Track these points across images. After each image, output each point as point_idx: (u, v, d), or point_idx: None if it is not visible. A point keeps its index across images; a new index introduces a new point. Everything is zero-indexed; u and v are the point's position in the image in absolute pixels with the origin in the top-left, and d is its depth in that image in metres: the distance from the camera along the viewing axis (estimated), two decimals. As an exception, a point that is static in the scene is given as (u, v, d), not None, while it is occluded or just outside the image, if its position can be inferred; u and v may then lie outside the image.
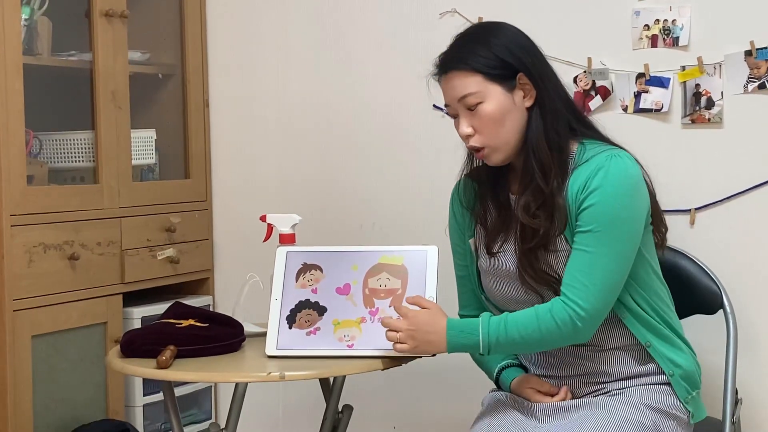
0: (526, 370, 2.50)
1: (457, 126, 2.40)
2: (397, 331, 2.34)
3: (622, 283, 2.32)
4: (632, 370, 2.38)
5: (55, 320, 2.99)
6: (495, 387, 2.55)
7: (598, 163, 2.31)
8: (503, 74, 2.34)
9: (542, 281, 2.35)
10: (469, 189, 2.53)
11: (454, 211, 2.57)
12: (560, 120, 2.37)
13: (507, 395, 2.46)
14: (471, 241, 2.52)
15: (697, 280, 2.73)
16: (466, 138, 2.38)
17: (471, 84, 2.34)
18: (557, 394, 2.39)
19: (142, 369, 2.44)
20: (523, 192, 2.37)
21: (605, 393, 2.38)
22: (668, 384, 2.38)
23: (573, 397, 2.40)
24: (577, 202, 2.31)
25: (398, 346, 2.34)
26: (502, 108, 2.34)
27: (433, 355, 2.42)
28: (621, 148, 2.39)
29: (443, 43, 3.16)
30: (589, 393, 2.40)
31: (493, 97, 2.34)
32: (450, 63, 2.38)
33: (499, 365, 2.51)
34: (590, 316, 2.28)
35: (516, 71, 2.35)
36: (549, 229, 2.33)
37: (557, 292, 2.33)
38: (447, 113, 2.45)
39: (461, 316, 2.58)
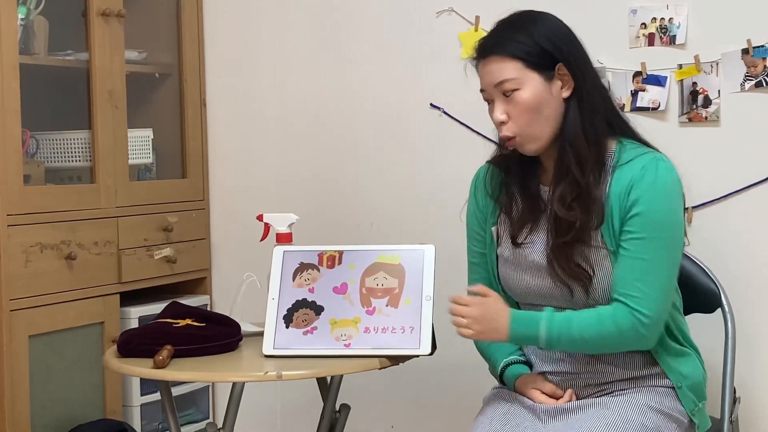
0: (531, 367, 2.48)
1: (491, 112, 2.38)
2: (463, 317, 2.32)
3: (675, 286, 2.35)
4: (639, 372, 2.38)
5: (52, 320, 2.99)
6: (497, 384, 2.54)
7: (644, 165, 2.31)
8: (542, 63, 2.33)
9: (574, 276, 2.33)
10: (495, 176, 2.50)
11: (476, 197, 2.54)
12: (598, 114, 2.36)
13: (509, 393, 2.45)
14: (494, 228, 2.49)
15: (696, 279, 2.73)
16: (499, 125, 2.36)
17: (509, 70, 2.32)
18: (562, 396, 2.38)
19: (139, 369, 2.44)
20: (557, 184, 2.36)
21: (609, 393, 2.38)
22: (673, 387, 2.38)
23: (577, 398, 2.39)
24: (623, 205, 2.30)
25: (463, 330, 2.33)
26: (538, 96, 2.32)
27: (431, 353, 2.42)
28: (657, 150, 2.39)
29: (441, 42, 3.18)
30: (594, 393, 2.39)
31: (530, 85, 2.32)
32: (490, 48, 2.36)
33: (504, 361, 2.48)
34: (653, 322, 2.29)
35: (555, 61, 2.34)
36: (586, 222, 2.32)
37: (587, 288, 2.33)
38: (483, 99, 2.40)
39: None
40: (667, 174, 2.31)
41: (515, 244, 2.42)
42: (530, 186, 2.43)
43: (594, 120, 2.35)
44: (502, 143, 2.44)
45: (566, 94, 2.35)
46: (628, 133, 2.42)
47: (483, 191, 2.52)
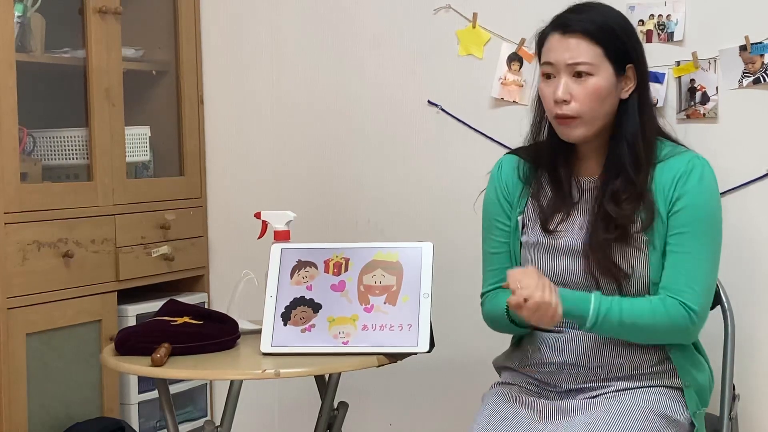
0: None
1: (546, 88, 2.39)
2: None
3: (715, 284, 2.39)
4: (650, 369, 2.38)
5: (50, 318, 2.99)
6: (496, 381, 2.53)
7: (691, 162, 2.36)
8: (619, 58, 2.37)
9: (610, 273, 2.34)
10: (522, 164, 2.51)
11: (501, 186, 2.53)
12: (653, 121, 2.43)
13: (509, 392, 2.43)
14: (519, 217, 2.49)
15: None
16: (560, 103, 2.36)
17: (590, 53, 2.35)
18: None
19: (137, 367, 2.44)
20: (607, 180, 2.38)
21: (614, 391, 2.37)
22: (679, 389, 2.38)
23: (582, 390, 2.38)
24: (668, 198, 2.34)
25: (522, 303, 2.22)
26: (608, 87, 2.36)
27: (428, 351, 2.42)
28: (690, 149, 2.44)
29: (438, 39, 3.17)
30: (600, 386, 2.38)
31: (603, 74, 2.36)
32: (576, 25, 2.37)
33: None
34: (699, 317, 2.33)
35: (628, 61, 2.38)
36: (633, 222, 2.33)
37: (620, 287, 2.33)
38: (542, 72, 2.41)
39: (484, 294, 2.55)
40: (710, 171, 2.38)
41: (546, 230, 2.42)
42: (561, 176, 2.44)
43: (651, 125, 2.42)
44: (537, 129, 2.47)
45: (625, 95, 2.39)
46: (661, 132, 2.47)
47: (511, 179, 2.52)
